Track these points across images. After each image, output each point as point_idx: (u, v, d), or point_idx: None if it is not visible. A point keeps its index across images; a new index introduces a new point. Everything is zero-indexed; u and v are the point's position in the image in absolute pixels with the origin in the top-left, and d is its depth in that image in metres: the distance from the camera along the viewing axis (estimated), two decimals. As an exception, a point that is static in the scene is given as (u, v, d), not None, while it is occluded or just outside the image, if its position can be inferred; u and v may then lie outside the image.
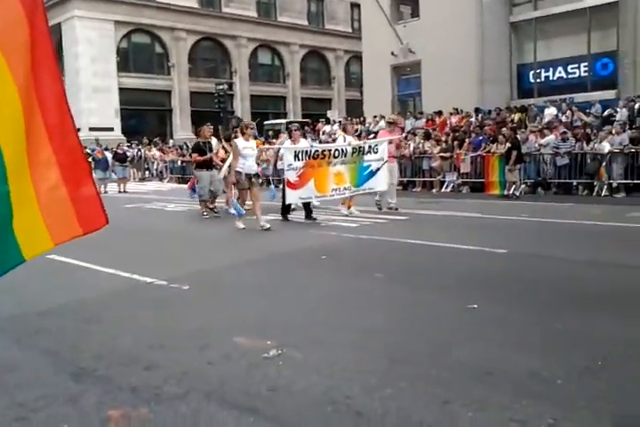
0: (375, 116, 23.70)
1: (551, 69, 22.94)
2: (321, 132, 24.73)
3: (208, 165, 12.39)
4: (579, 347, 3.98)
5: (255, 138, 12.78)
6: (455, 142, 17.78)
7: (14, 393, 3.44)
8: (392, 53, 25.70)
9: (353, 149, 11.59)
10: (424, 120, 22.08)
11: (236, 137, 14.09)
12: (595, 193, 14.72)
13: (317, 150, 11.27)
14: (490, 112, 21.13)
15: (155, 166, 28.27)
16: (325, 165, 11.23)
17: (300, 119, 32.59)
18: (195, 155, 12.66)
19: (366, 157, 11.74)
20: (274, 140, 17.48)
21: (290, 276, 6.59)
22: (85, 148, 19.14)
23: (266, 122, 31.68)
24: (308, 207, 11.35)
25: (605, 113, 17.65)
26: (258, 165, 10.96)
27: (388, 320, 4.77)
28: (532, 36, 23.38)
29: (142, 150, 28.75)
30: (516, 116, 19.42)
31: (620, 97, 19.16)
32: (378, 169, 11.88)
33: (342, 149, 11.48)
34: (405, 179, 17.94)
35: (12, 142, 2.56)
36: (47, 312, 5.14)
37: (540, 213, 11.57)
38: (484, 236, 9.00)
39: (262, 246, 8.66)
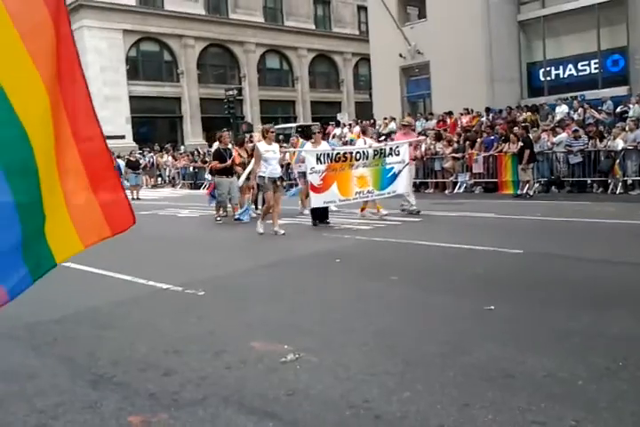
0: (385, 118, 23.70)
1: (561, 67, 22.86)
2: (331, 136, 24.75)
3: (227, 171, 12.36)
4: (597, 347, 3.93)
5: (278, 141, 12.77)
6: (467, 143, 17.73)
7: (34, 400, 3.46)
8: (400, 55, 25.71)
9: (374, 151, 11.46)
10: (435, 121, 22.03)
11: (251, 141, 14.11)
12: (609, 191, 14.61)
13: (339, 153, 11.16)
14: (501, 111, 21.05)
15: (167, 173, 28.41)
16: (348, 168, 11.10)
17: (309, 123, 32.64)
18: (215, 162, 12.63)
19: (388, 160, 11.59)
20: (285, 145, 17.43)
21: (304, 279, 6.59)
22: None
23: (276, 126, 31.72)
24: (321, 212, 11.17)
25: (618, 109, 17.53)
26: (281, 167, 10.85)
27: (403, 322, 4.75)
28: (540, 35, 23.31)
29: (154, 157, 28.91)
30: (527, 117, 19.29)
31: (632, 93, 19.03)
32: (400, 171, 11.74)
33: (364, 152, 11.34)
34: (418, 180, 17.89)
35: (43, 147, 2.55)
36: (63, 319, 5.16)
37: (554, 212, 11.50)
38: (498, 236, 8.95)
39: (276, 251, 8.65)
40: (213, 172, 12.88)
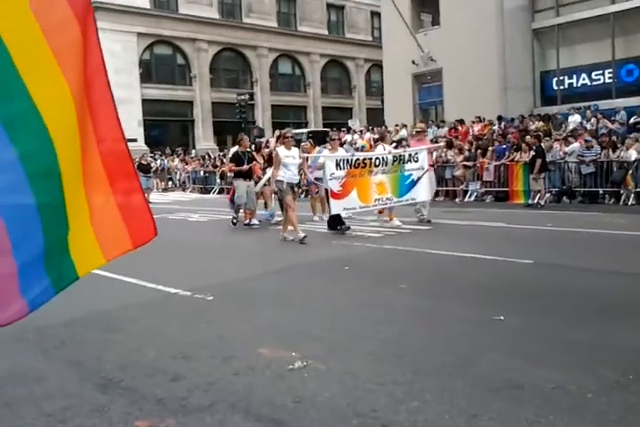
0: (397, 125, 23.68)
1: (574, 76, 22.76)
2: (342, 142, 24.75)
3: (246, 174, 12.23)
4: (606, 359, 3.91)
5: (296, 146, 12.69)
6: (478, 151, 17.68)
7: (42, 404, 3.47)
8: (413, 62, 25.69)
9: (393, 157, 11.34)
10: (446, 129, 21.99)
11: (267, 147, 14.09)
12: (621, 202, 14.51)
13: (358, 159, 11.01)
14: (513, 120, 20.99)
15: (177, 177, 28.51)
16: (367, 175, 10.96)
17: (321, 128, 32.67)
18: (231, 164, 12.48)
19: (407, 166, 11.48)
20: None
21: (313, 286, 6.59)
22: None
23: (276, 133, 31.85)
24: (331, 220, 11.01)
25: (632, 120, 17.42)
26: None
27: (411, 331, 4.74)
28: (554, 43, 23.23)
29: (165, 161, 29.02)
30: (539, 126, 19.21)
31: (646, 104, 18.94)
32: (419, 178, 11.62)
33: (383, 158, 11.21)
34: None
35: (66, 148, 2.51)
36: (72, 323, 5.18)
37: (565, 222, 11.45)
38: (508, 246, 8.92)
39: (285, 257, 8.66)
40: (228, 175, 12.85)
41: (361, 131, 26.21)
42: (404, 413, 3.19)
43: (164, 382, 3.74)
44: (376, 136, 23.40)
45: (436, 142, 18.55)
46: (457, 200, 17.31)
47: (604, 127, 17.45)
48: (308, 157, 12.06)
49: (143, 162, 22.17)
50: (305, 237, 9.56)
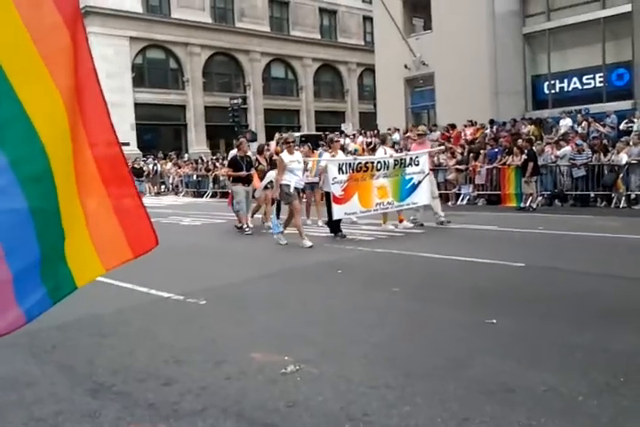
0: (389, 129, 23.71)
1: (566, 80, 22.89)
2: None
3: (245, 179, 11.95)
4: (599, 363, 3.92)
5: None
6: (470, 155, 17.73)
7: (32, 408, 3.46)
8: (405, 66, 25.78)
9: (395, 161, 11.28)
10: (438, 133, 22.05)
11: (267, 150, 13.94)
12: (613, 205, 14.58)
13: (360, 162, 10.90)
14: (505, 124, 21.07)
15: (170, 181, 28.47)
16: (369, 179, 10.88)
17: (313, 132, 32.70)
18: (228, 169, 12.19)
19: (408, 170, 11.41)
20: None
21: (306, 290, 6.58)
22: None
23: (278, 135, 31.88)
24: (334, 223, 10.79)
25: (622, 125, 17.52)
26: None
27: (404, 334, 4.74)
28: (545, 47, 23.35)
29: (158, 165, 28.98)
30: (531, 129, 19.28)
31: (637, 107, 19.04)
32: (420, 182, 11.55)
33: (384, 162, 11.13)
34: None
35: (58, 152, 2.48)
36: (64, 327, 5.15)
37: (557, 225, 11.49)
38: (501, 249, 8.94)
39: (278, 261, 8.65)
40: (221, 179, 12.65)
41: (354, 135, 26.24)
42: (396, 417, 3.19)
43: (155, 387, 3.72)
44: (369, 140, 23.52)
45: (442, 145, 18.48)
46: (449, 204, 17.33)
47: (596, 131, 17.54)
48: (312, 161, 11.86)
49: (135, 166, 22.16)
50: (311, 246, 9.44)
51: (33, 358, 4.44)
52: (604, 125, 17.70)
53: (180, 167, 28.28)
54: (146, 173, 27.11)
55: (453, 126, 21.75)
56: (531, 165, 14.82)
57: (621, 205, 14.35)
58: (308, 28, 42.56)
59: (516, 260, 7.58)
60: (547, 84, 23.35)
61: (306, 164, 10.94)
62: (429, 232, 11.15)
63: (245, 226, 11.83)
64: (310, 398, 3.47)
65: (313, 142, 20.60)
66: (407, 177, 11.44)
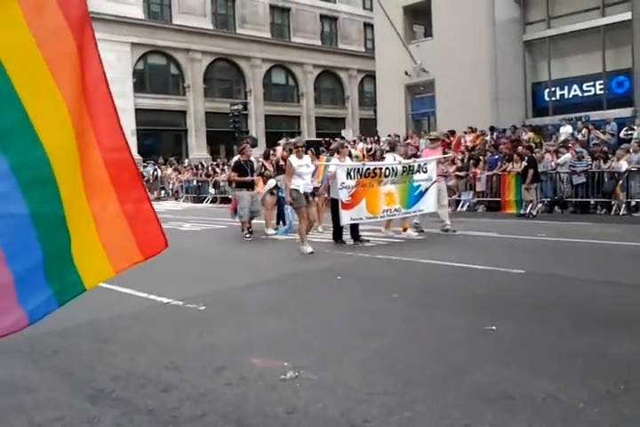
0: (389, 135, 23.74)
1: (566, 88, 22.96)
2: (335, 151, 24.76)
3: (249, 184, 11.82)
4: (599, 369, 3.91)
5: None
6: (471, 161, 17.75)
7: (32, 414, 3.45)
8: (406, 73, 25.84)
9: (403, 167, 11.18)
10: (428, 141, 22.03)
11: (274, 155, 13.81)
12: (612, 212, 14.59)
13: (369, 168, 10.79)
14: (505, 131, 21.10)
15: (170, 186, 28.50)
16: (376, 185, 10.78)
17: (314, 138, 32.73)
18: (233, 174, 12.03)
19: (415, 177, 11.31)
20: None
21: (305, 296, 6.58)
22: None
23: (280, 141, 31.92)
24: (355, 229, 10.63)
25: (622, 133, 17.54)
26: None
27: (403, 341, 4.74)
28: (546, 55, 23.44)
29: (158, 170, 29.01)
30: (531, 136, 19.31)
31: (637, 115, 19.07)
32: (427, 189, 11.45)
33: (393, 168, 11.03)
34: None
35: (61, 156, 2.47)
36: (63, 332, 5.15)
37: (557, 232, 11.49)
38: (500, 256, 8.94)
39: (278, 266, 8.65)
40: (221, 184, 12.50)
41: (354, 141, 26.27)
42: (397, 423, 3.18)
43: (155, 393, 3.72)
44: (369, 146, 23.52)
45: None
46: (449, 210, 17.31)
47: (596, 138, 17.56)
48: (320, 165, 11.61)
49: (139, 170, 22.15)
50: (311, 252, 9.38)
51: (33, 363, 4.43)
52: (604, 133, 17.73)
53: (180, 173, 28.31)
54: (146, 179, 27.13)
55: (453, 133, 21.78)
56: (531, 171, 14.83)
57: (621, 213, 14.36)
58: (308, 34, 42.66)
59: (515, 266, 7.58)
60: (547, 91, 23.42)
61: (316, 167, 10.81)
62: (429, 238, 11.15)
63: (246, 231, 11.77)
64: (310, 404, 3.47)
65: (314, 148, 20.61)
66: (415, 184, 11.34)
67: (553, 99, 23.25)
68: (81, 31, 2.51)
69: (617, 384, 3.61)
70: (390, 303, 5.99)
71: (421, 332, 5.01)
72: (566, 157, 15.72)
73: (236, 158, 12.80)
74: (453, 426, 3.13)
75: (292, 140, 10.37)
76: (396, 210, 11.12)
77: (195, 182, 26.34)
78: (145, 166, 29.04)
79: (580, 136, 18.19)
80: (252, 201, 11.80)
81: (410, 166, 11.34)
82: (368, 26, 41.01)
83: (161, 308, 6.09)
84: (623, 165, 14.44)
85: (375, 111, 30.54)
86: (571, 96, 22.92)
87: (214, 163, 28.59)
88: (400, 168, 11.13)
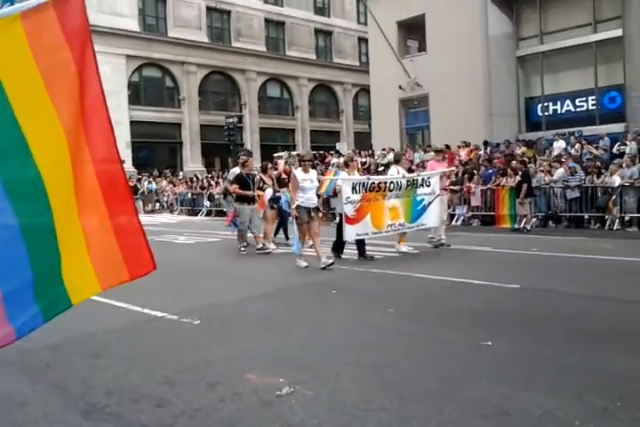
0: (384, 149, 23.84)
1: (559, 103, 23.15)
2: (330, 165, 24.85)
3: (250, 198, 11.70)
4: (592, 385, 3.91)
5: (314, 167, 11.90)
6: (465, 175, 17.82)
7: (25, 430, 3.42)
8: (400, 87, 26.01)
9: (407, 181, 11.08)
10: (432, 153, 22.10)
11: (275, 168, 13.70)
12: (606, 227, 14.64)
13: (374, 182, 10.64)
14: (498, 145, 21.22)
15: (165, 198, 28.47)
16: (381, 199, 10.65)
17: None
18: (235, 186, 11.88)
19: (419, 191, 11.21)
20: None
21: (301, 310, 6.56)
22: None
23: (275, 154, 31.98)
24: (361, 245, 10.48)
25: (614, 148, 17.65)
26: (318, 197, 10.33)
27: (399, 356, 4.72)
28: (538, 70, 23.65)
29: (153, 183, 29.00)
30: (524, 151, 19.40)
31: (629, 130, 19.22)
32: (430, 203, 11.37)
33: (397, 182, 10.91)
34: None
35: (55, 177, 2.49)
36: (57, 346, 5.12)
37: (551, 247, 11.51)
38: (495, 270, 8.95)
39: (273, 280, 8.63)
40: (232, 198, 12.20)
41: (347, 154, 26.33)
42: (392, 440, 3.17)
43: (149, 409, 3.69)
44: (364, 159, 23.59)
45: (424, 167, 18.50)
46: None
47: (589, 153, 17.67)
48: (326, 180, 11.48)
49: (130, 184, 22.13)
50: (306, 266, 9.36)
51: (26, 377, 4.40)
52: (597, 148, 17.84)
53: (174, 185, 28.31)
54: (140, 191, 27.11)
55: (448, 147, 21.85)
56: (525, 186, 14.90)
57: (615, 227, 14.41)
58: (303, 48, 42.91)
59: (510, 281, 7.59)
60: (540, 106, 23.60)
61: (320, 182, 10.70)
62: (424, 253, 11.14)
63: (242, 246, 11.71)
64: (305, 420, 3.45)
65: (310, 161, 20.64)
66: (418, 198, 11.25)
67: (546, 114, 23.44)
68: (80, 45, 2.53)
69: (613, 401, 3.61)
70: (386, 317, 5.98)
71: (417, 346, 5.01)
72: (560, 172, 15.80)
73: (236, 171, 12.65)
74: (449, 443, 3.12)
75: (294, 153, 10.25)
76: (400, 224, 11.00)
77: (189, 195, 26.34)
78: (140, 179, 29.02)
79: (573, 151, 18.30)
80: (252, 215, 11.67)
81: (414, 180, 11.25)
82: (362, 40, 41.29)
83: (155, 322, 6.06)
84: (616, 180, 14.52)
85: (370, 125, 30.68)
86: (563, 111, 23.11)
87: (209, 175, 28.61)
88: (404, 182, 11.03)
